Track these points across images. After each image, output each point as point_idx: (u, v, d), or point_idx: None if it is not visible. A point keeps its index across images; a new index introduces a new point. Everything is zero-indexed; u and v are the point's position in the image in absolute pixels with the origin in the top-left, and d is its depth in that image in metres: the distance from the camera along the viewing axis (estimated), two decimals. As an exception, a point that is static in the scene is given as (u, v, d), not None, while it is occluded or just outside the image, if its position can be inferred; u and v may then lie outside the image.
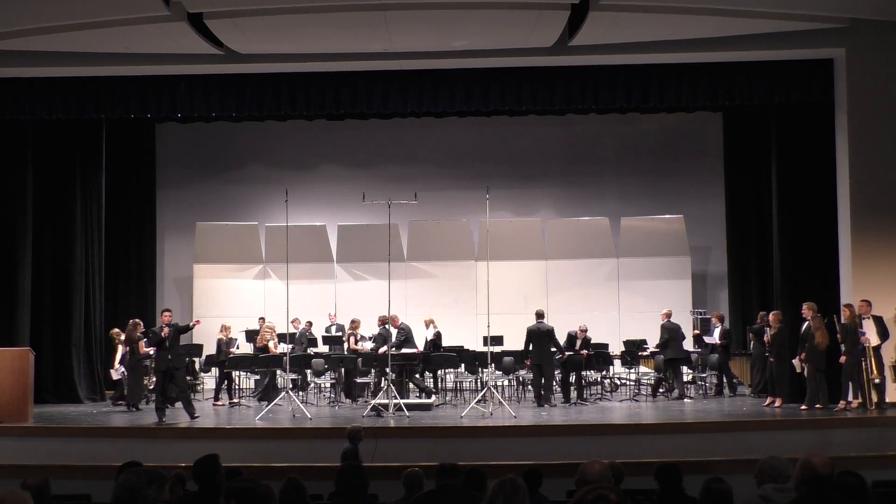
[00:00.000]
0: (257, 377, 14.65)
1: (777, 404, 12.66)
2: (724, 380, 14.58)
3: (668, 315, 14.34)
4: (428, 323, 14.74)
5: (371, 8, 11.25)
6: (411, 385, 13.71)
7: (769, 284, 14.75)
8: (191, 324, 13.05)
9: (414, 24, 11.92)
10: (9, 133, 14.02)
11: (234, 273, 17.10)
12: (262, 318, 15.30)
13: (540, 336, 13.28)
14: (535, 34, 12.23)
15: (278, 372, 14.01)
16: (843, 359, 12.08)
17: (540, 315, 13.58)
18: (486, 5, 11.48)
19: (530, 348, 13.30)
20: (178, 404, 12.26)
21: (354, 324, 14.44)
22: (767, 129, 14.44)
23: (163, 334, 12.05)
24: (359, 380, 14.06)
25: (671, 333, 14.10)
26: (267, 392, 13.78)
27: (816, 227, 13.33)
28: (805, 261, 13.45)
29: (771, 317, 12.94)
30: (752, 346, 14.12)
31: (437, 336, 14.45)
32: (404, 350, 13.62)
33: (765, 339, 13.02)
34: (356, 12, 11.42)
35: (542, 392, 13.25)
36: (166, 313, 12.46)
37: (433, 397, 13.50)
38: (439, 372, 14.42)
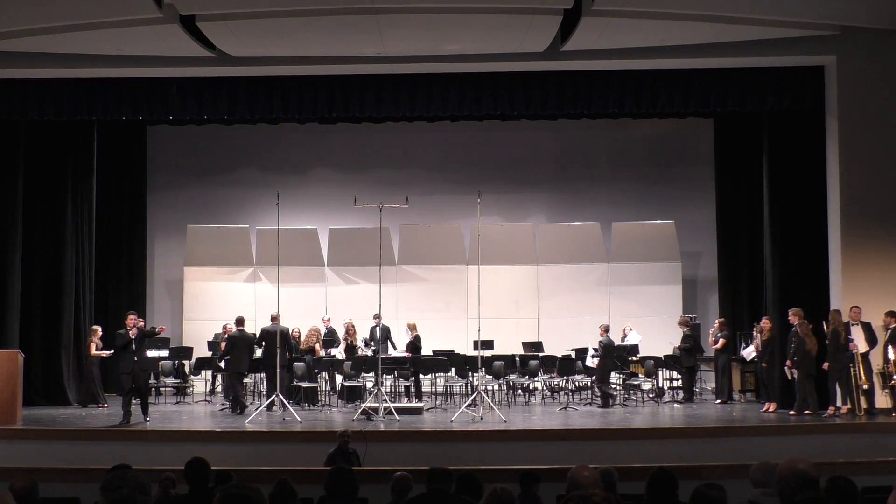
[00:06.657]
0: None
1: (771, 409, 12.74)
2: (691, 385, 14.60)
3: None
4: (410, 327, 15.01)
5: (364, 12, 11.25)
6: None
7: (760, 290, 14.79)
8: (156, 329, 12.73)
9: (407, 29, 11.92)
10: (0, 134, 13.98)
11: (224, 276, 17.04)
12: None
13: None
14: (527, 39, 12.24)
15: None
16: (825, 365, 12.13)
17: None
18: (479, 10, 11.49)
19: None
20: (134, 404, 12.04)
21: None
22: (758, 136, 14.50)
23: (130, 335, 11.97)
24: (347, 383, 14.01)
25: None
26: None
27: (807, 233, 13.39)
28: (795, 266, 13.51)
29: (763, 322, 13.00)
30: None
31: (417, 339, 14.73)
32: (394, 354, 13.69)
33: (755, 344, 13.08)
34: (349, 16, 11.42)
35: None
36: (131, 315, 12.32)
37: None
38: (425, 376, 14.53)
